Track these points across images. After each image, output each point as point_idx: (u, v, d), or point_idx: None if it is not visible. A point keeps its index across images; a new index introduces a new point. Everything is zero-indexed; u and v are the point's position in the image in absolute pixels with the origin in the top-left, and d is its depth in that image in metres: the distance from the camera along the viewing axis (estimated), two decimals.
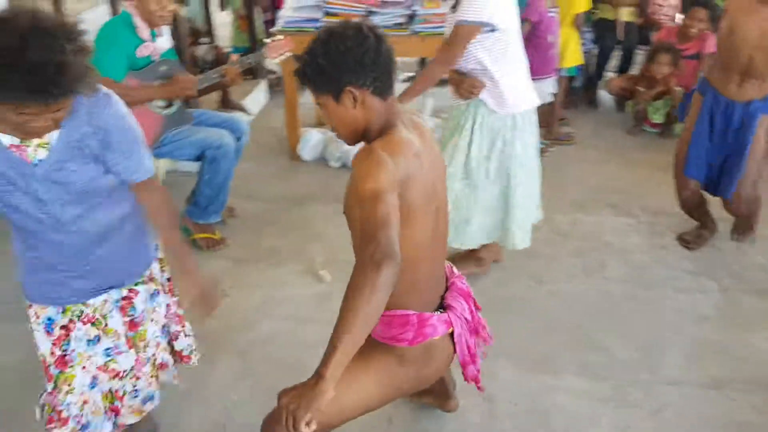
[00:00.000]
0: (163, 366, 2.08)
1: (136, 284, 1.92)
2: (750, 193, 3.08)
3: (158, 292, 2.01)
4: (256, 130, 4.77)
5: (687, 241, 3.34)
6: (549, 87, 4.25)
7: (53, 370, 1.84)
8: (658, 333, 2.76)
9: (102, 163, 1.68)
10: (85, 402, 1.87)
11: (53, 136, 1.61)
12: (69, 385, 1.84)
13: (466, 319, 1.86)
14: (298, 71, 1.66)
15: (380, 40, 1.63)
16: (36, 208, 1.67)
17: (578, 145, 4.56)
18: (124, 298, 1.91)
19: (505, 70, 2.70)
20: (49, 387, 1.87)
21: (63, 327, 1.83)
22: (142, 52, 3.04)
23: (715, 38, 4.60)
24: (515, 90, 2.73)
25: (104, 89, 1.66)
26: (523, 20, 4.04)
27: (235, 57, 3.26)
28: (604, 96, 5.22)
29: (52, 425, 1.85)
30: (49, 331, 1.83)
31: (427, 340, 1.77)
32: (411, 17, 3.96)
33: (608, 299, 2.98)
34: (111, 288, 1.86)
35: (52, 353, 1.83)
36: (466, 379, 1.91)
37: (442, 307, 1.85)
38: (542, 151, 4.36)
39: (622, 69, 5.12)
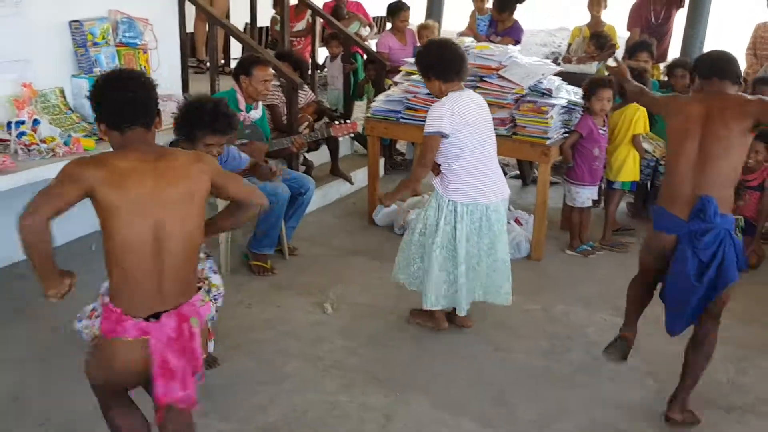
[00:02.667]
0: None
1: None
2: None
3: None
4: (358, 197, 5.74)
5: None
6: (590, 194, 4.69)
7: None
8: (567, 407, 3.10)
9: None
10: None
11: None
12: None
13: (170, 336, 2.08)
14: None
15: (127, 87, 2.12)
16: None
17: (629, 254, 4.81)
18: None
19: (455, 168, 3.39)
20: None
21: None
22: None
23: None
24: (461, 184, 3.39)
25: None
26: (573, 131, 4.61)
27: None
28: None
29: None
30: None
31: (112, 336, 2.07)
32: None
33: (545, 374, 3.36)
34: None
35: None
36: (155, 398, 2.10)
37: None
38: (585, 253, 4.76)
39: None
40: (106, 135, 2.17)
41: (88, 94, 2.22)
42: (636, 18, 6.30)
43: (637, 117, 4.77)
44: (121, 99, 2.11)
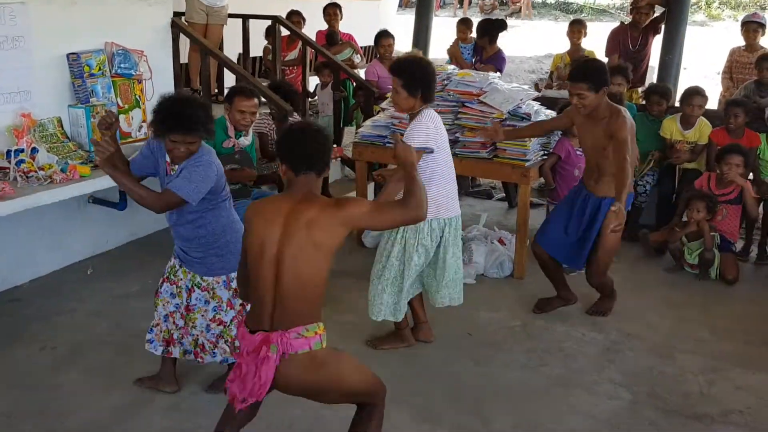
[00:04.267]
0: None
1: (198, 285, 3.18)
2: (600, 275, 4.12)
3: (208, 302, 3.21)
4: None
5: (539, 308, 4.25)
6: None
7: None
8: (542, 419, 3.23)
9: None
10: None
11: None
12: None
13: (248, 350, 2.41)
14: None
15: (307, 136, 2.47)
16: None
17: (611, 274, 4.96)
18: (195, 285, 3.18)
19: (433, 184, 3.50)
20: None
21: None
22: (227, 144, 4.32)
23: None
24: (439, 200, 3.52)
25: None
26: (551, 153, 4.79)
27: None
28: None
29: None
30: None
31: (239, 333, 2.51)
32: (454, 142, 4.84)
33: (522, 387, 3.49)
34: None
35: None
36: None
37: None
38: (567, 272, 4.90)
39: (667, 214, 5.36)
40: (285, 174, 2.49)
41: (284, 142, 2.50)
42: (614, 45, 6.51)
43: None
44: (310, 151, 2.46)
